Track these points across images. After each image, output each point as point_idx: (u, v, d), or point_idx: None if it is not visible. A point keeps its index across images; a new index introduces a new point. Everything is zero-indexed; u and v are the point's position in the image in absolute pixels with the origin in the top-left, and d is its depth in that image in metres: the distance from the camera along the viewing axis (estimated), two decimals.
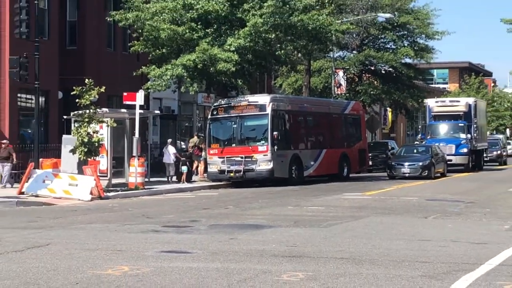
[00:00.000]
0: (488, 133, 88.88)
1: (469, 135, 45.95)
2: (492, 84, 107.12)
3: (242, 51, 35.45)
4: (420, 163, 38.64)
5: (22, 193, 27.03)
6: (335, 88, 52.88)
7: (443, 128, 47.29)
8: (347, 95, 54.13)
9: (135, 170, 29.72)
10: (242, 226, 17.67)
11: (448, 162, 43.32)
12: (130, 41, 38.56)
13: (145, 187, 30.11)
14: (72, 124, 29.61)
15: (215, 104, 36.06)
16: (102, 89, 28.26)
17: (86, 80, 28.38)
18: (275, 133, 33.53)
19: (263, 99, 34.79)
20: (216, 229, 17.01)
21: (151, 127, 38.84)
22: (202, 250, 13.42)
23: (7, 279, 10.56)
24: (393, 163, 39.60)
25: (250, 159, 33.48)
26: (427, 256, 12.65)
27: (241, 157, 33.49)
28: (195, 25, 35.08)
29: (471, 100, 49.71)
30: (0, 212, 22.33)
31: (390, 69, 56.19)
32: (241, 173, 33.47)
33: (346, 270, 11.31)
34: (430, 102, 50.06)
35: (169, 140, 36.54)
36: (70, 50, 39.61)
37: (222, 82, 37.45)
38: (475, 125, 47.46)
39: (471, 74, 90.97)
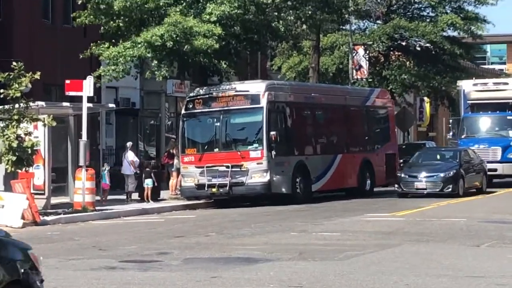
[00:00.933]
0: None
1: None
2: None
3: (227, 21, 35.48)
4: (442, 175, 36.31)
5: None
6: (354, 71, 52.98)
7: (483, 123, 44.14)
8: (370, 80, 54.25)
9: (82, 186, 29.68)
10: (228, 260, 17.69)
11: (491, 173, 40.90)
12: (74, 10, 38.58)
13: (96, 208, 30.11)
14: None
15: (191, 94, 36.04)
16: (37, 76, 28.19)
17: (14, 63, 28.30)
18: (272, 133, 33.46)
19: (256, 87, 34.79)
20: (192, 264, 17.03)
21: (103, 126, 38.78)
22: None
23: None
24: (403, 175, 37.32)
25: (239, 169, 33.45)
26: None
27: (227, 167, 33.43)
28: None
29: None
30: None
31: (428, 45, 56.32)
32: (227, 188, 33.42)
33: None
34: (466, 85, 46.20)
35: (129, 144, 36.50)
36: None
37: (200, 65, 37.40)
38: None
39: None
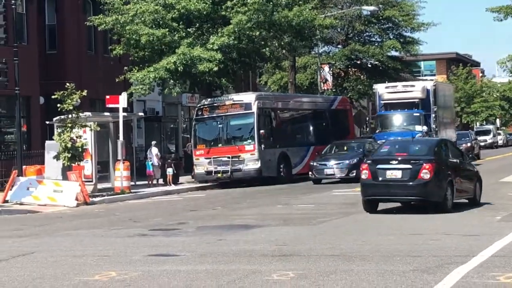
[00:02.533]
0: (477, 124, 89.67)
1: (425, 127, 38.45)
2: (481, 74, 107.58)
3: (226, 49, 35.48)
4: (347, 162, 32.86)
5: (6, 201, 26.90)
6: (321, 84, 52.92)
7: (394, 119, 40.01)
8: (334, 90, 54.21)
9: (120, 174, 29.64)
10: (231, 226, 17.68)
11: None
12: (111, 44, 38.52)
13: (131, 191, 30.04)
14: (55, 130, 29.46)
15: (200, 104, 36.00)
16: (84, 93, 28.13)
17: (67, 84, 28.25)
18: (261, 131, 33.54)
19: (248, 97, 34.79)
20: (204, 230, 17.01)
21: (135, 129, 38.73)
22: (190, 252, 13.42)
23: None
24: (315, 164, 33.48)
25: (237, 159, 33.45)
26: (419, 250, 12.70)
27: (228, 157, 33.45)
28: (177, 25, 35.09)
29: (429, 84, 42.25)
30: None
31: (377, 62, 56.41)
32: (229, 173, 33.44)
33: (337, 267, 11.33)
34: (380, 88, 41.94)
35: (153, 142, 36.43)
36: (50, 54, 39.44)
37: (206, 82, 37.43)
38: (434, 114, 40.48)
39: (458, 65, 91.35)
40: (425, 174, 18.96)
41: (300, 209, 21.66)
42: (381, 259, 11.96)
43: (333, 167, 32.83)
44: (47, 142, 30.03)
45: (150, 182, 34.28)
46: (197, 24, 35.85)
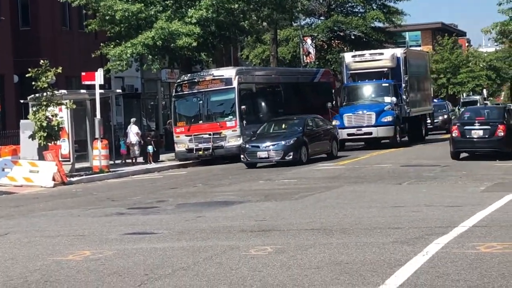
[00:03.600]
0: (464, 94, 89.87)
1: (394, 98, 36.44)
2: (467, 44, 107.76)
3: (205, 23, 35.29)
4: (283, 143, 29.18)
5: None
6: (304, 57, 52.89)
7: (361, 91, 37.74)
8: (317, 63, 54.22)
9: (99, 153, 29.57)
10: (211, 203, 17.69)
11: (368, 136, 36.21)
12: (86, 19, 38.28)
13: (110, 170, 30.01)
14: (30, 108, 29.33)
15: (179, 80, 35.82)
16: (59, 70, 27.98)
17: (42, 61, 28.07)
18: (243, 107, 33.43)
19: (229, 72, 34.64)
20: (183, 208, 17.01)
21: (113, 107, 38.57)
22: (168, 230, 13.43)
23: None
24: (247, 146, 29.89)
25: (218, 136, 33.37)
26: (400, 222, 12.77)
27: (209, 134, 33.35)
28: None
29: (399, 52, 39.35)
30: None
31: (360, 34, 56.37)
32: (210, 150, 33.35)
33: (316, 241, 11.38)
34: (346, 57, 39.80)
35: (133, 120, 36.33)
36: (23, 31, 39.22)
37: (185, 57, 37.29)
38: (405, 84, 38.25)
39: (444, 34, 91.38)
40: (500, 132, 27.05)
41: (282, 184, 21.69)
42: (361, 232, 12.02)
43: (266, 149, 29.22)
44: (22, 122, 29.92)
45: (122, 162, 34.20)
46: None
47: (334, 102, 38.27)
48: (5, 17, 36.38)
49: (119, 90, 39.50)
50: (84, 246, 12.01)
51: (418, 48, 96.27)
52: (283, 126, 31.55)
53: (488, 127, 27.48)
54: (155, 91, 50.84)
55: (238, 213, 15.50)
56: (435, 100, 55.85)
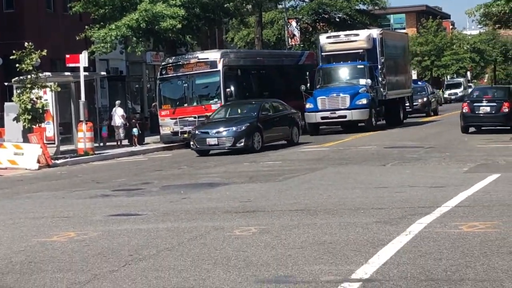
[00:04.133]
0: (448, 77, 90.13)
1: (369, 81, 35.36)
2: (451, 27, 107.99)
3: (189, 5, 35.18)
4: (234, 129, 27.13)
5: None
6: (289, 39, 52.83)
7: (336, 73, 36.55)
8: (302, 45, 54.18)
9: (83, 136, 29.50)
10: (195, 185, 17.69)
11: (342, 120, 35.16)
12: (70, 1, 38.10)
13: (95, 152, 29.95)
14: (14, 91, 29.21)
15: (164, 63, 35.70)
16: (44, 53, 27.84)
17: (26, 43, 27.95)
18: (228, 90, 33.30)
19: (214, 55, 34.52)
20: (168, 190, 17.00)
21: (98, 90, 38.49)
22: (152, 211, 13.43)
23: None
24: (196, 132, 28.06)
25: (203, 119, 33.30)
26: (383, 203, 12.82)
27: (194, 117, 33.16)
28: None
29: (375, 33, 38.06)
30: None
31: (345, 16, 56.29)
32: None
33: (300, 221, 11.41)
34: (322, 38, 38.65)
35: (117, 102, 36.28)
36: (7, 13, 39.02)
37: (170, 39, 37.16)
38: (381, 66, 36.99)
39: (428, 17, 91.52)
40: (505, 109, 30.49)
41: (267, 166, 21.69)
42: (345, 212, 12.06)
43: (216, 136, 27.21)
44: (6, 104, 29.78)
45: (118, 143, 34.28)
46: None
47: (308, 84, 36.33)
48: None
49: (103, 73, 39.31)
50: (69, 228, 12.00)
51: (403, 31, 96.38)
52: (238, 110, 29.68)
53: (495, 104, 30.96)
54: (140, 73, 50.71)
55: (223, 194, 15.51)
56: (419, 83, 55.81)
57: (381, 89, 36.79)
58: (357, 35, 37.58)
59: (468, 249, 8.89)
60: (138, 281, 8.19)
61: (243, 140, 27.05)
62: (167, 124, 33.89)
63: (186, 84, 33.94)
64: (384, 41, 37.54)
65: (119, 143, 34.58)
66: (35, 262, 9.49)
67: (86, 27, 35.78)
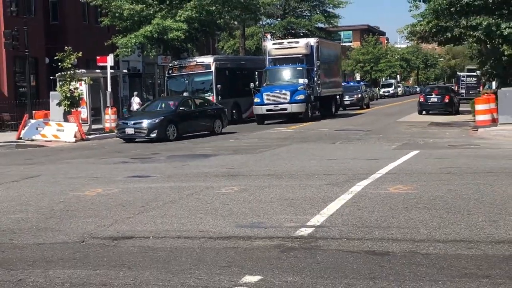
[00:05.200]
0: (383, 79, 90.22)
1: (306, 80, 32.84)
2: (386, 42, 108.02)
3: (190, 20, 34.94)
4: (148, 121, 23.98)
5: (20, 138, 26.45)
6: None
7: (279, 74, 33.59)
8: None
9: (109, 118, 29.32)
10: (193, 156, 17.60)
11: (284, 112, 32.31)
12: (101, 16, 37.71)
13: None
14: (57, 83, 28.84)
15: (171, 64, 35.51)
16: (80, 54, 27.57)
17: (67, 47, 27.67)
18: (218, 86, 33.22)
19: (208, 59, 34.35)
20: (172, 159, 16.92)
21: (121, 83, 37.96)
22: (160, 174, 13.38)
23: (6, 202, 10.42)
24: (119, 122, 25.87)
25: None
26: (332, 170, 12.84)
27: None
28: (152, 1, 34.50)
29: (312, 41, 35.15)
30: (2, 153, 21.85)
31: (307, 32, 56.10)
32: None
33: (270, 183, 11.42)
34: (268, 45, 35.88)
35: (135, 93, 36.15)
36: (53, 24, 38.55)
37: (175, 47, 36.94)
38: (317, 69, 34.29)
39: (369, 34, 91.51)
40: (446, 100, 35.66)
41: (246, 143, 21.62)
42: (304, 177, 12.08)
43: (133, 126, 24.16)
44: (52, 93, 29.45)
45: None
46: (167, 1, 35.17)
47: (257, 82, 33.59)
48: (39, 14, 35.72)
49: (125, 71, 39.02)
50: (97, 185, 11.95)
51: (349, 44, 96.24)
52: (162, 105, 26.38)
53: (440, 96, 36.04)
54: (153, 72, 50.36)
55: (213, 162, 15.47)
56: (354, 83, 55.67)
57: (317, 88, 34.38)
58: (297, 42, 35.15)
59: (394, 204, 8.94)
60: (148, 225, 8.19)
61: (156, 131, 23.84)
62: None
63: (187, 81, 33.77)
64: (319, 48, 34.90)
65: None
66: (71, 210, 9.46)
67: (112, 36, 35.48)
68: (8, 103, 33.11)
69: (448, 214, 8.15)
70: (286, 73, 33.47)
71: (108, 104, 29.43)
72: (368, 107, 49.18)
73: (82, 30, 39.83)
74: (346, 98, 43.51)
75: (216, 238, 7.35)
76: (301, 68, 33.32)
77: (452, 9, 25.99)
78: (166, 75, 35.42)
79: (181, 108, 25.55)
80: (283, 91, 32.35)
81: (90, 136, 27.13)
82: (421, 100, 36.20)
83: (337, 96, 39.52)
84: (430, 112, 35.39)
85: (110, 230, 7.95)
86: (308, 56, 34.05)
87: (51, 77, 31.74)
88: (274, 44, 35.58)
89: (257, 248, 6.85)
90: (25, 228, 8.25)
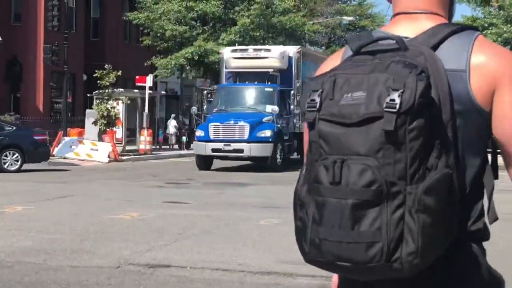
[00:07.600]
0: None
1: (276, 108, 21.82)
2: None
3: (233, 45, 35.28)
4: None
5: (53, 155, 26.77)
6: None
7: (238, 95, 23.02)
8: None
9: (144, 139, 29.63)
10: (229, 184, 17.64)
11: (238, 154, 21.93)
12: (142, 35, 38.36)
13: (152, 152, 30.02)
14: (94, 101, 29.34)
15: (210, 88, 35.77)
16: (119, 73, 28.04)
17: (106, 65, 28.17)
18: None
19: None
20: (208, 186, 16.99)
21: (158, 104, 38.56)
22: (196, 201, 13.44)
23: (40, 221, 10.56)
24: None
25: None
26: None
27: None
28: (195, 23, 35.01)
29: (292, 50, 24.12)
30: (34, 170, 22.19)
31: None
32: None
33: None
34: (225, 52, 24.52)
35: (172, 115, 36.46)
36: (93, 41, 39.31)
37: (216, 70, 37.24)
38: (295, 92, 23.19)
39: None
40: None
41: (284, 175, 21.50)
42: None
43: None
44: (88, 111, 29.94)
45: (171, 147, 34.38)
46: (211, 24, 35.69)
47: (204, 106, 25.98)
48: (80, 30, 36.51)
49: (163, 92, 39.53)
50: (132, 209, 12.04)
51: None
52: None
53: None
54: (191, 94, 50.76)
55: (250, 192, 15.49)
56: None
57: (294, 120, 23.29)
58: (268, 50, 23.88)
59: None
60: (185, 254, 8.20)
61: None
62: None
63: None
64: (302, 62, 23.86)
65: (171, 146, 34.66)
66: (106, 233, 9.53)
67: (152, 56, 36.03)
68: (42, 119, 33.75)
69: None
70: (249, 96, 23.06)
71: (145, 125, 29.77)
72: None
73: (122, 48, 40.53)
74: None
75: (256, 272, 7.31)
76: (272, 89, 22.69)
77: None
78: (205, 98, 35.67)
79: None
80: (240, 123, 21.80)
81: (123, 157, 27.43)
82: None
83: None
84: None
85: (146, 256, 7.98)
86: (284, 72, 23.39)
87: (88, 95, 32.30)
88: (234, 51, 24.38)
89: (299, 286, 6.80)
90: (60, 249, 8.34)
